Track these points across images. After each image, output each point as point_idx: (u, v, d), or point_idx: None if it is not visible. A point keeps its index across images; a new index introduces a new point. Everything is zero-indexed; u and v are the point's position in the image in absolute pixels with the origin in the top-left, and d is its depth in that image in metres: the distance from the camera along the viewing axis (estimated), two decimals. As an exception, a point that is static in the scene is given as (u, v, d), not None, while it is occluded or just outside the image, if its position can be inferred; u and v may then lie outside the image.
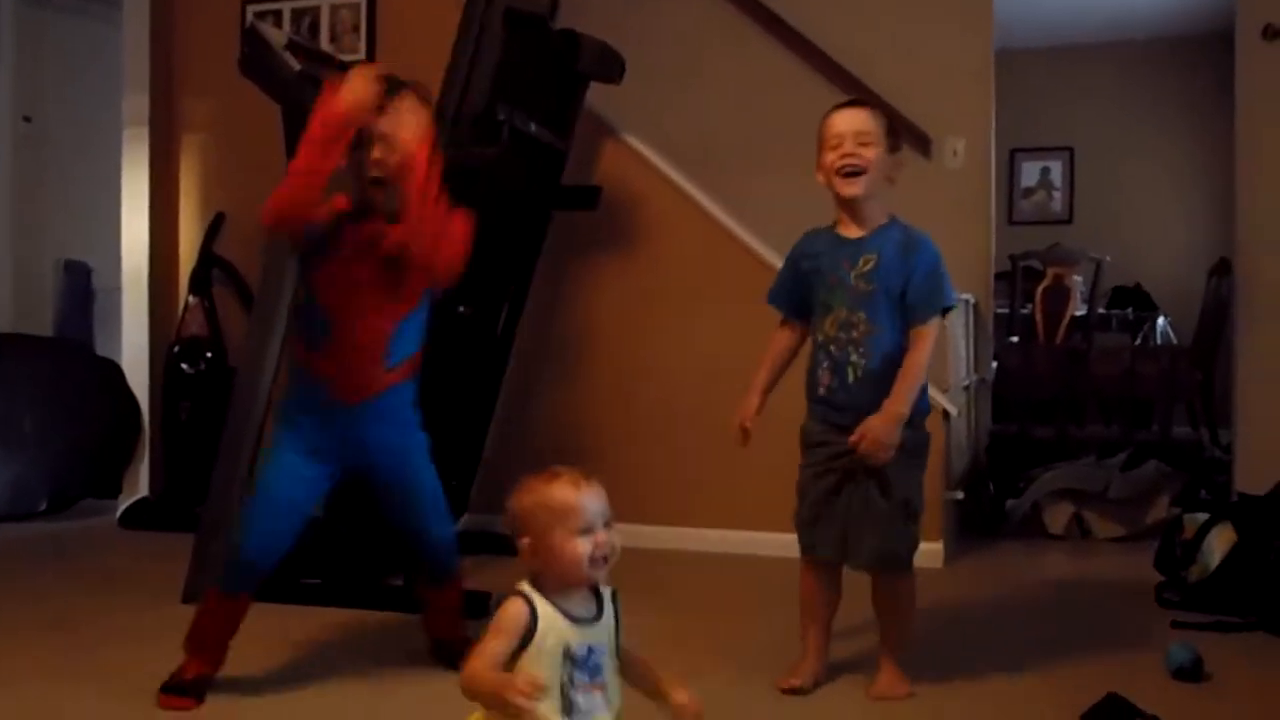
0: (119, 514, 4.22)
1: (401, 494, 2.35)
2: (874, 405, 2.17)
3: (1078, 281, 5.94)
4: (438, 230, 2.17)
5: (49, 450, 4.26)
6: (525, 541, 1.62)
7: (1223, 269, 5.06)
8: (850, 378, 2.22)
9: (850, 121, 2.23)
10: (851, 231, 2.26)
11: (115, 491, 4.38)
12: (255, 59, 3.10)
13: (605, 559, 1.61)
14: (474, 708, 1.61)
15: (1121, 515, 4.04)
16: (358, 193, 2.24)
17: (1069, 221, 7.71)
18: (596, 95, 3.74)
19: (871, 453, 2.15)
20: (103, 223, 4.67)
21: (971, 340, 4.28)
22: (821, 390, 2.26)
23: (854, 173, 2.20)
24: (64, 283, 5.21)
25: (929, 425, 2.32)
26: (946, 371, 3.68)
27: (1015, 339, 5.77)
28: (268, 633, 2.46)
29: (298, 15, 4.19)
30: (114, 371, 4.44)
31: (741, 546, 3.64)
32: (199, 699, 2.15)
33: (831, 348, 2.24)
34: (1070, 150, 7.75)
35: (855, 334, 2.21)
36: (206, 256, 4.39)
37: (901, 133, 2.30)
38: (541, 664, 1.57)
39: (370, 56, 4.12)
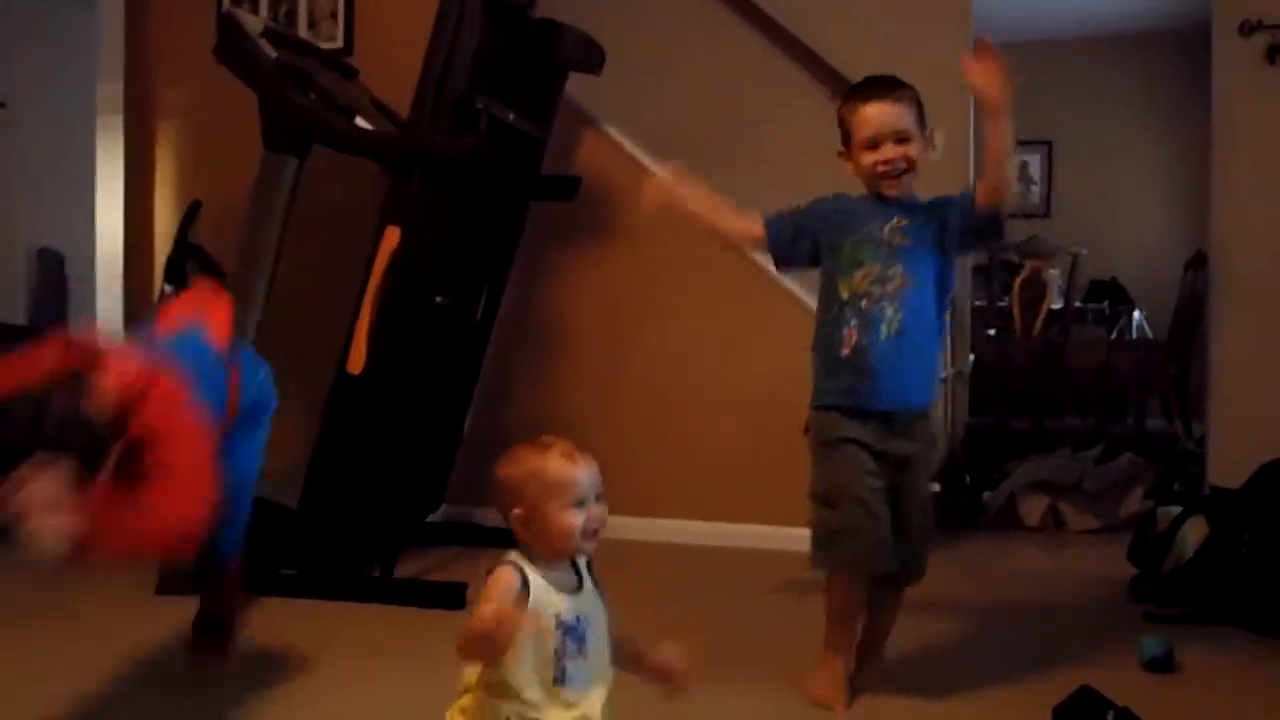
0: (93, 504, 4.18)
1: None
2: (904, 370, 2.12)
3: (1055, 275, 5.96)
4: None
5: (22, 439, 4.21)
6: (516, 513, 1.62)
7: (1198, 262, 5.09)
8: (884, 334, 2.12)
9: (886, 120, 2.13)
10: (885, 199, 2.19)
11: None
12: (231, 46, 3.08)
13: (596, 532, 1.61)
14: (451, 701, 1.61)
15: (1096, 507, 4.07)
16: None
17: (1047, 215, 7.75)
18: (576, 85, 3.73)
19: (990, 84, 2.01)
20: (77, 210, 4.62)
21: (948, 333, 4.29)
22: (846, 351, 2.15)
23: (898, 174, 2.15)
24: (37, 271, 5.16)
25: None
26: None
27: (992, 332, 5.79)
28: (245, 623, 2.45)
29: (275, 2, 4.15)
30: (88, 360, 4.39)
31: (721, 539, 3.66)
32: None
33: (862, 303, 2.14)
34: (1049, 144, 7.78)
35: (890, 287, 2.13)
36: (182, 245, 4.34)
37: (926, 106, 2.20)
38: (535, 634, 1.57)
39: (348, 44, 4.09)
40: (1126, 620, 2.82)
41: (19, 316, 5.03)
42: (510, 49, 3.33)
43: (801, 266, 2.35)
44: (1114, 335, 6.50)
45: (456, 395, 3.70)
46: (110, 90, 4.37)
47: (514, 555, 1.60)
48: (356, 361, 3.07)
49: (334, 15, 4.08)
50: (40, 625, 2.65)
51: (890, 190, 2.16)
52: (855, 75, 4.08)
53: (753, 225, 2.28)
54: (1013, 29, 6.78)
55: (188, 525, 1.74)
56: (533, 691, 1.57)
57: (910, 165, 2.14)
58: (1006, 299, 5.89)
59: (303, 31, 4.06)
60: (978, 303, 5.47)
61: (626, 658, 1.70)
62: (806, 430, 2.23)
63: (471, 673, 1.64)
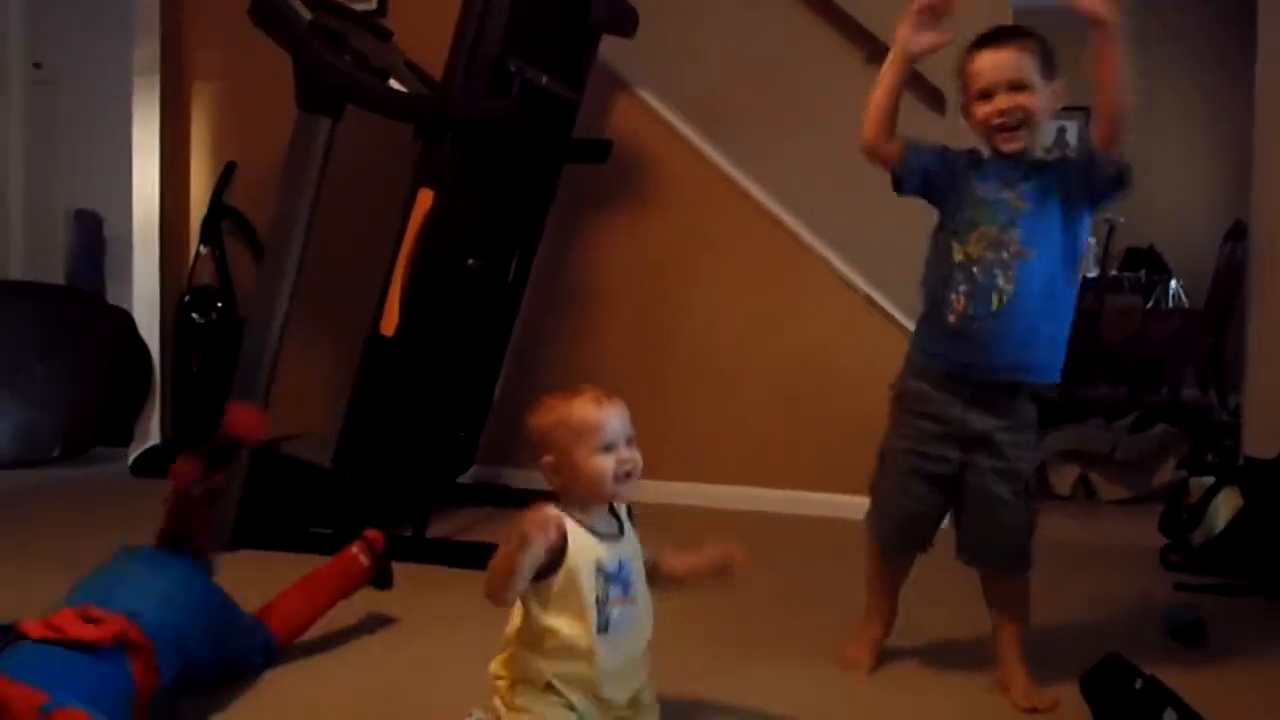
0: (131, 461, 4.25)
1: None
2: (1017, 344, 1.97)
3: (1091, 243, 5.90)
4: None
5: (61, 398, 4.28)
6: (548, 460, 1.63)
7: (1238, 232, 5.02)
8: (995, 304, 1.97)
9: (1000, 68, 1.98)
10: (1005, 157, 2.04)
11: (126, 439, 4.41)
12: (266, 7, 3.08)
13: (629, 475, 1.61)
14: (480, 658, 1.63)
15: (1128, 478, 4.05)
16: None
17: (1084, 182, 7.65)
18: (609, 48, 3.71)
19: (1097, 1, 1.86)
20: (113, 172, 4.66)
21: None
22: (952, 319, 2.00)
23: (1015, 126, 1.99)
24: (75, 232, 5.22)
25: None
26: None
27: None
28: (277, 584, 2.48)
29: (309, -37, 4.14)
30: (125, 321, 4.45)
31: (753, 503, 3.67)
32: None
33: (974, 269, 1.99)
34: (1086, 110, 7.60)
35: (1005, 254, 1.97)
36: (217, 206, 4.38)
37: (1056, 54, 2.03)
38: (580, 580, 1.58)
39: (382, 5, 4.09)
40: (1156, 590, 2.81)
41: (57, 277, 5.10)
42: (543, 11, 3.32)
43: (913, 192, 2.12)
44: (1150, 304, 6.43)
45: (488, 358, 3.72)
46: (146, 52, 4.39)
47: (549, 506, 1.60)
48: (389, 323, 3.10)
49: (368, -23, 4.07)
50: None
51: (1006, 145, 2.01)
52: (893, 39, 4.03)
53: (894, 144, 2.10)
54: (1052, -8, 6.68)
55: None
56: (574, 641, 1.58)
57: (1028, 117, 1.98)
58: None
59: (337, -7, 4.05)
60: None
61: (668, 574, 1.71)
62: (892, 386, 2.14)
63: (511, 628, 1.65)
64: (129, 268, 4.55)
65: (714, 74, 4.23)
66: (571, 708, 1.59)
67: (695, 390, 3.83)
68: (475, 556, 2.80)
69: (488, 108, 3.06)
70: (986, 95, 1.99)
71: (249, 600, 2.13)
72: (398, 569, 2.44)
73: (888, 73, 2.09)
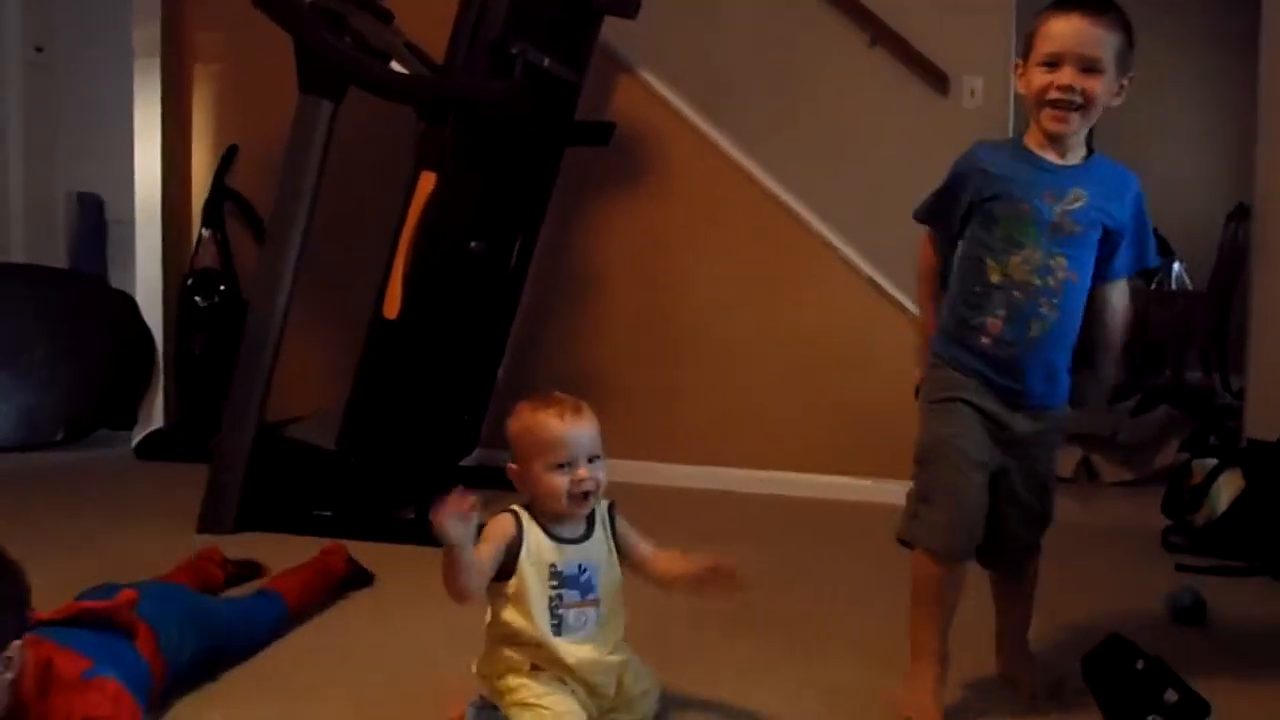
0: (134, 444, 4.26)
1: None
2: (1045, 374, 1.83)
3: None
4: None
5: (64, 381, 4.29)
6: (511, 467, 1.64)
7: (1240, 214, 5.01)
8: (1032, 331, 1.80)
9: (1078, 38, 1.77)
10: (1051, 156, 1.85)
11: (130, 422, 4.41)
12: (267, -11, 3.07)
13: (586, 495, 1.61)
14: (479, 641, 1.64)
15: (1130, 459, 4.05)
16: None
17: (1086, 164, 7.63)
18: (611, 29, 3.70)
19: None
20: (115, 154, 4.65)
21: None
22: (985, 340, 1.82)
23: (1069, 107, 1.79)
24: (76, 215, 5.22)
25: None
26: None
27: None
28: (280, 565, 2.49)
29: (310, -55, 4.12)
30: (128, 304, 4.45)
31: (758, 486, 3.69)
32: None
33: (1016, 292, 1.80)
34: (1089, 92, 7.64)
35: (1052, 281, 1.80)
36: (219, 189, 4.37)
37: (1134, 48, 1.84)
38: (529, 583, 1.59)
39: (383, -12, 4.07)
40: (1158, 571, 2.82)
41: (60, 260, 5.09)
42: (546, -7, 3.31)
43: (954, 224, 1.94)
44: (1153, 286, 6.42)
45: (491, 340, 3.72)
46: (147, 34, 4.39)
47: (515, 506, 1.62)
48: (392, 306, 3.10)
49: (369, -42, 4.05)
50: (88, 564, 2.70)
51: (1052, 125, 1.80)
52: (897, 21, 4.01)
53: (925, 245, 2.00)
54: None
55: None
56: (534, 639, 1.59)
57: (1088, 103, 1.78)
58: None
59: (338, -25, 4.04)
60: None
61: (656, 577, 1.71)
62: (917, 394, 1.94)
63: (485, 625, 1.67)
64: (131, 251, 4.55)
65: (717, 56, 4.22)
66: (563, 681, 1.60)
67: (698, 373, 3.83)
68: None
69: (490, 89, 3.05)
70: (1051, 64, 1.79)
71: (252, 584, 2.14)
72: (400, 551, 2.45)
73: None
